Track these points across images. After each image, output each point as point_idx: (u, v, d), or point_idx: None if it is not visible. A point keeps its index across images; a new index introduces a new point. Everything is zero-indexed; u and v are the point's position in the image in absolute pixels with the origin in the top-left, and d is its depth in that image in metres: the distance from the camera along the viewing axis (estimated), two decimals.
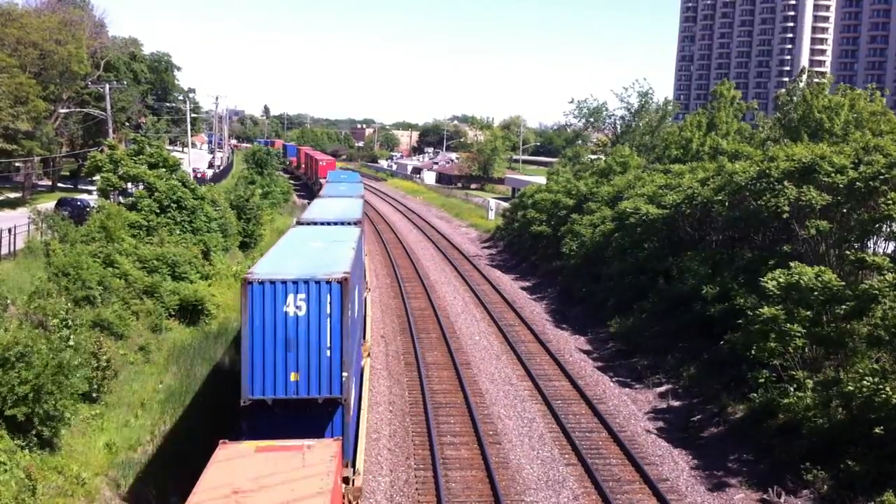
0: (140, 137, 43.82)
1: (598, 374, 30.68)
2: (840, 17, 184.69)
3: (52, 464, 17.52)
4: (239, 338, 18.19)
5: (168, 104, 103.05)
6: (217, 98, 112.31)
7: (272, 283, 16.04)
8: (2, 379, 17.00)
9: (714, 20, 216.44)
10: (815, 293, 23.01)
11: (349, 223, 27.27)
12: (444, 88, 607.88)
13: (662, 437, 24.37)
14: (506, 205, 73.83)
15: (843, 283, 23.33)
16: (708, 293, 29.23)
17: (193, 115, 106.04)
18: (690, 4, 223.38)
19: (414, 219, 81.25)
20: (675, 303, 32.01)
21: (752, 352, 23.60)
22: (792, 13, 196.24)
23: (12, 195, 58.66)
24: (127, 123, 77.88)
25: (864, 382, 19.50)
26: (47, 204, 45.14)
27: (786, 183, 27.84)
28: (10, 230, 31.66)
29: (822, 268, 24.02)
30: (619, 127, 73.41)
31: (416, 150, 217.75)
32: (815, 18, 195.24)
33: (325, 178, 69.03)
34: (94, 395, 21.49)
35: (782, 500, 19.69)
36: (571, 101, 76.56)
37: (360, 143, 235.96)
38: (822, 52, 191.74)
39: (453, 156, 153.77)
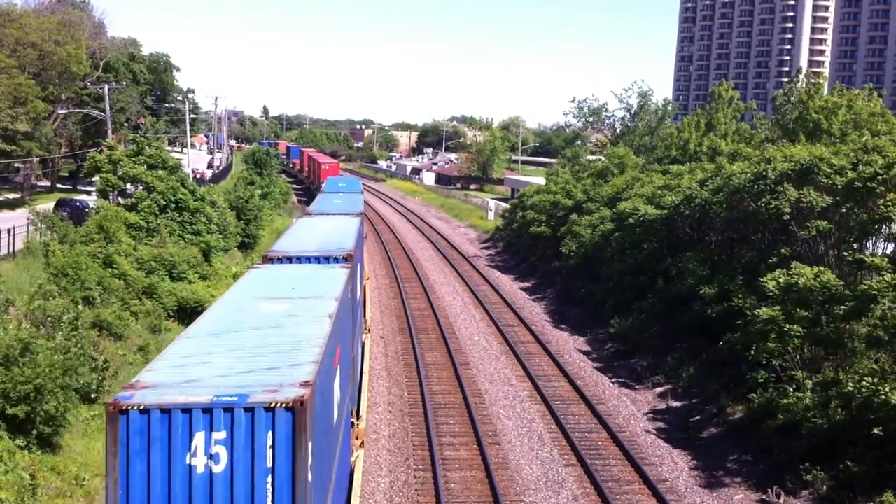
0: (139, 138, 43.79)
1: (597, 374, 30.69)
2: (839, 18, 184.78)
3: (50, 464, 17.53)
4: None
5: (167, 105, 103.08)
6: (216, 99, 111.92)
7: (165, 411, 8.60)
8: (4, 377, 17.00)
9: (713, 21, 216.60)
10: (815, 293, 23.03)
11: (336, 258, 19.15)
12: (443, 89, 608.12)
13: (662, 438, 24.37)
14: (505, 205, 73.86)
15: (843, 284, 23.35)
16: (707, 294, 29.24)
17: (192, 115, 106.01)
18: (689, 5, 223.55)
19: (413, 219, 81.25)
20: (675, 303, 32.03)
21: (752, 352, 23.61)
22: (791, 13, 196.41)
23: (11, 196, 58.65)
24: (126, 124, 77.86)
25: (864, 383, 19.51)
26: (46, 204, 45.17)
27: (786, 185, 27.85)
28: (9, 231, 31.66)
29: (822, 268, 24.03)
30: (618, 128, 73.45)
31: (416, 150, 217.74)
32: (815, 19, 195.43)
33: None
34: (93, 395, 21.49)
35: (782, 500, 19.70)
36: (572, 101, 76.26)
37: (360, 144, 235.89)
38: (822, 52, 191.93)
39: (452, 156, 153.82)
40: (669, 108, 70.74)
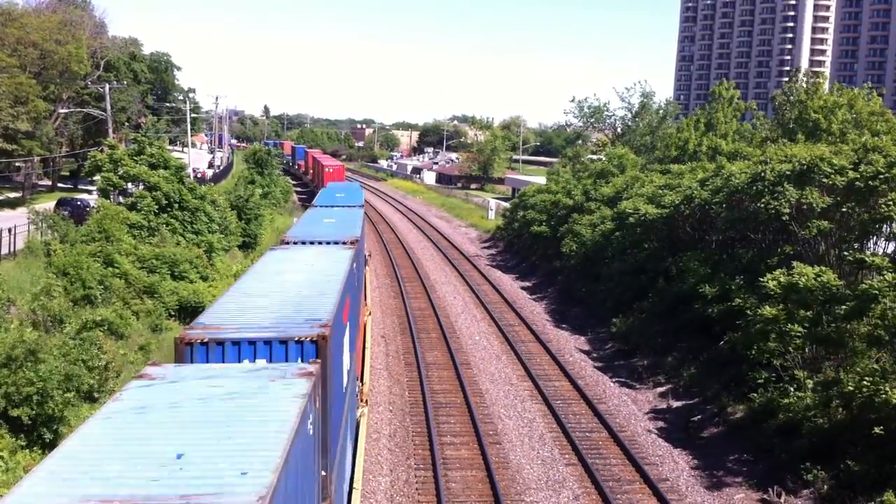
0: (140, 137, 43.81)
1: (598, 374, 30.69)
2: (840, 18, 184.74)
3: None
4: None
5: (168, 104, 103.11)
6: (217, 98, 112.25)
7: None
8: (7, 379, 17.01)
9: (714, 20, 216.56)
10: (815, 293, 23.02)
11: (290, 341, 12.43)
12: (444, 88, 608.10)
13: (662, 437, 24.37)
14: (506, 205, 73.83)
15: (843, 283, 23.33)
16: (708, 293, 29.24)
17: (193, 115, 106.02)
18: (690, 4, 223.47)
19: (414, 219, 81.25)
20: (675, 303, 32.02)
21: (752, 352, 23.60)
22: (792, 13, 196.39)
23: (12, 195, 58.71)
24: (127, 123, 77.91)
25: (864, 382, 19.51)
26: (47, 204, 45.20)
27: (786, 185, 27.83)
28: (10, 230, 31.71)
29: (822, 268, 24.03)
30: (618, 127, 73.39)
31: (416, 150, 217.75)
32: (815, 19, 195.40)
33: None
34: (94, 394, 21.49)
35: (782, 500, 19.70)
36: (573, 100, 76.28)
37: (360, 144, 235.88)
38: (822, 52, 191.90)
39: (453, 156, 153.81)
40: (671, 108, 70.66)
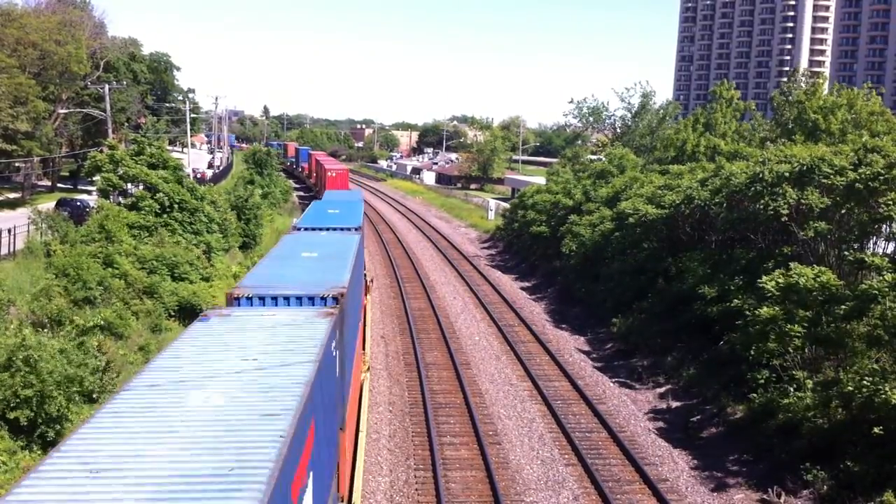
0: (140, 138, 43.81)
1: (597, 374, 30.70)
2: (839, 18, 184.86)
3: None
4: None
5: (167, 104, 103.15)
6: (216, 98, 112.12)
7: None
8: (6, 382, 17.01)
9: (713, 20, 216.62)
10: (815, 293, 23.02)
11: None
12: (443, 88, 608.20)
13: (662, 438, 24.38)
14: (505, 205, 73.84)
15: (843, 284, 23.33)
16: (707, 293, 29.24)
17: (193, 115, 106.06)
18: (690, 5, 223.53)
19: (413, 219, 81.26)
20: (675, 303, 32.03)
21: (752, 352, 23.60)
22: (791, 13, 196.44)
23: (12, 195, 58.68)
24: (126, 124, 77.91)
25: (864, 382, 19.51)
26: (47, 204, 45.17)
27: (785, 185, 27.83)
28: (9, 230, 31.71)
29: (821, 268, 24.03)
30: (618, 127, 73.41)
31: (416, 150, 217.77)
32: (815, 19, 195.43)
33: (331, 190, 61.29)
34: (94, 395, 21.49)
35: (782, 500, 19.71)
36: (571, 101, 76.39)
37: (360, 144, 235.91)
38: (822, 52, 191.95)
39: (453, 156, 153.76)
40: (671, 108, 70.68)
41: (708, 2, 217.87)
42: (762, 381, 23.47)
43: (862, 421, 19.50)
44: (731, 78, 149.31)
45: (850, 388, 19.96)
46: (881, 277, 22.03)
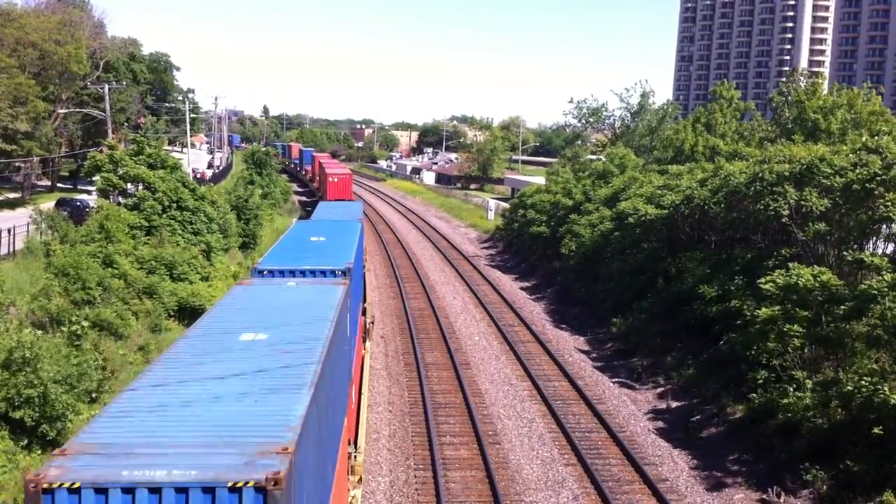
0: (139, 138, 43.80)
1: (597, 374, 30.70)
2: (839, 18, 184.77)
3: None
4: None
5: (167, 104, 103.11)
6: (216, 98, 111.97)
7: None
8: (8, 381, 17.00)
9: (713, 20, 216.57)
10: (814, 294, 23.02)
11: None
12: (443, 88, 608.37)
13: (662, 438, 24.38)
14: (505, 205, 73.83)
15: (843, 284, 23.33)
16: (707, 293, 29.24)
17: (192, 115, 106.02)
18: (690, 5, 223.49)
19: (413, 219, 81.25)
20: (674, 303, 32.03)
21: (752, 352, 23.60)
22: (791, 13, 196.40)
23: (11, 195, 58.68)
24: (126, 124, 77.91)
25: (863, 382, 19.52)
26: (47, 204, 45.14)
27: (785, 185, 27.82)
28: (9, 230, 31.70)
29: (821, 269, 24.03)
30: (617, 127, 73.37)
31: (416, 150, 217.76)
32: (815, 19, 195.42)
33: (333, 197, 59.86)
34: (93, 395, 21.49)
35: (782, 500, 19.71)
36: (571, 101, 76.41)
37: (360, 144, 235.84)
38: (822, 52, 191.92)
39: (453, 156, 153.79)
40: (670, 108, 70.63)
41: (708, 2, 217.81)
42: (762, 381, 23.48)
43: (861, 421, 19.51)
44: (731, 78, 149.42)
45: (850, 388, 19.97)
46: (880, 277, 22.03)
